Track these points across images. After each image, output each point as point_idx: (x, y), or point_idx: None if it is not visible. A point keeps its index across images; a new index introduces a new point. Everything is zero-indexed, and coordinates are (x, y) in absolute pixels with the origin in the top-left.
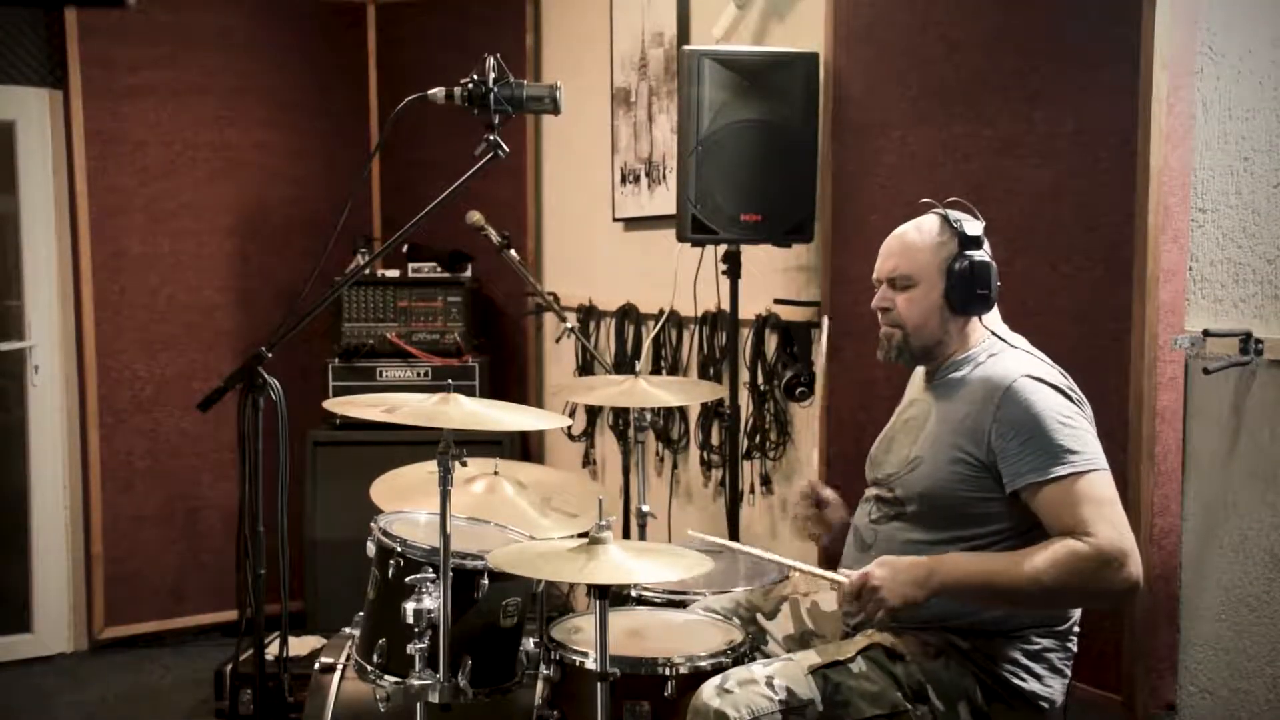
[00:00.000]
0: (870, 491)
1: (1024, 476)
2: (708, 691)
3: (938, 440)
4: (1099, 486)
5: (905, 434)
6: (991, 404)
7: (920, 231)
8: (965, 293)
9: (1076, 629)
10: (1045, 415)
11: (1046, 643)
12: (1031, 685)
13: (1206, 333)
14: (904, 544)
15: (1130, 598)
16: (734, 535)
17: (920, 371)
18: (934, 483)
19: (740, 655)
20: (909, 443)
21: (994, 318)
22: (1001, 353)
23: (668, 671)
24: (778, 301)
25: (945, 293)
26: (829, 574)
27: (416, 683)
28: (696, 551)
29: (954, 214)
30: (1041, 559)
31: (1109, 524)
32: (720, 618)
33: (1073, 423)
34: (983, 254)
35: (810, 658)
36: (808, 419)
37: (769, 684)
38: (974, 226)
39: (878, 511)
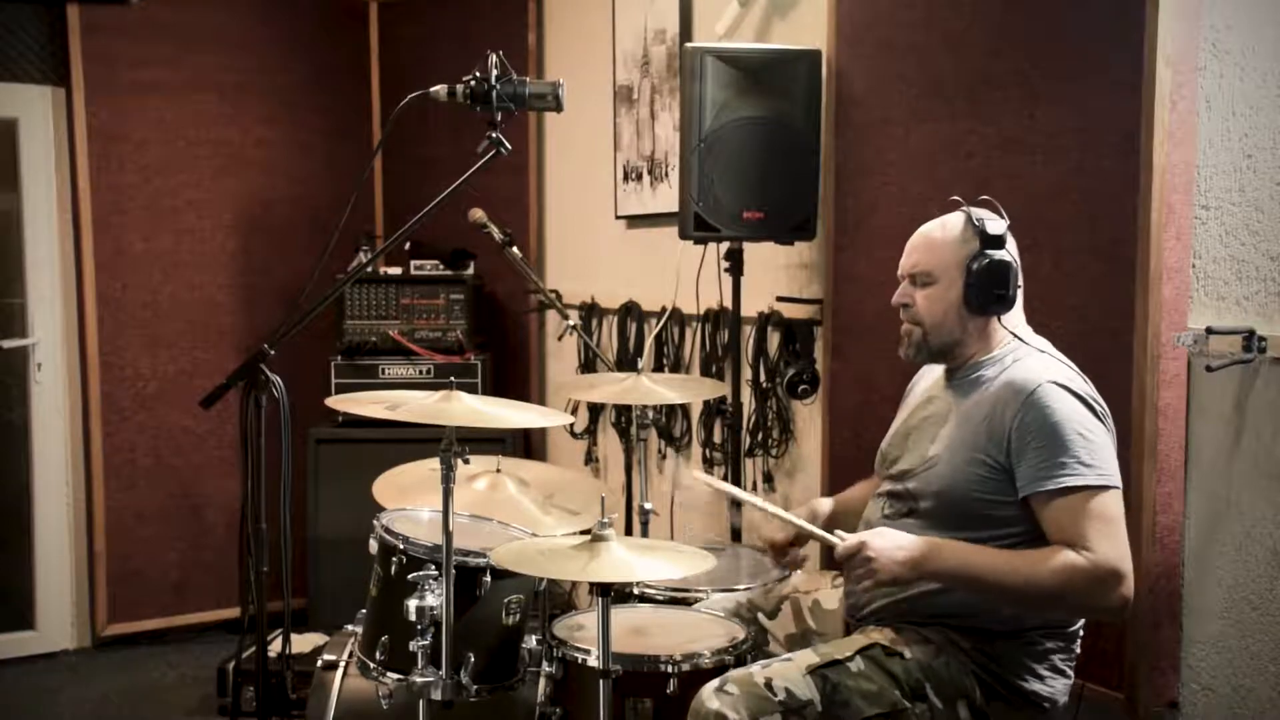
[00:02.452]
0: (884, 487)
1: (1035, 483)
2: (707, 693)
3: (957, 441)
4: (1107, 504)
5: (923, 431)
6: (1014, 407)
7: (944, 229)
8: (983, 292)
9: (1081, 631)
10: (1065, 425)
11: (1051, 644)
12: (1034, 685)
13: (1209, 330)
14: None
15: (1118, 616)
16: (735, 534)
17: (939, 369)
18: (950, 483)
19: (743, 652)
20: (927, 441)
21: (1016, 319)
22: (1027, 356)
23: (670, 669)
24: (780, 299)
25: (964, 291)
26: (827, 535)
27: (419, 680)
28: (698, 548)
29: (979, 213)
30: (1039, 563)
31: (1110, 542)
32: (722, 615)
33: (1093, 436)
34: (1004, 254)
35: (809, 657)
36: (810, 416)
37: (768, 685)
38: (997, 226)
39: (890, 508)
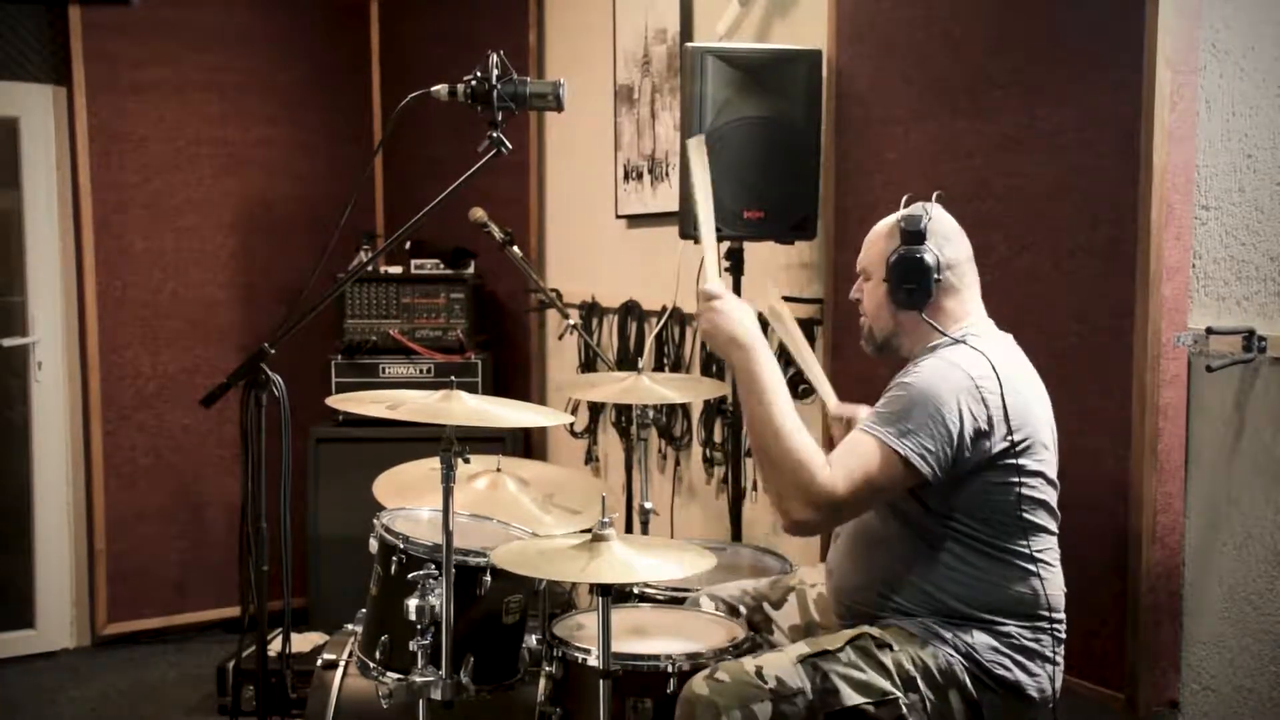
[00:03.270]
0: None
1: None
2: (698, 682)
3: None
4: (878, 454)
5: None
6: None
7: (881, 227)
8: (897, 287)
9: (1059, 616)
10: (909, 385)
11: (1024, 633)
12: (1016, 675)
13: (1209, 330)
14: (859, 528)
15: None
16: (736, 534)
17: None
18: None
19: (744, 652)
20: None
21: (965, 310)
22: (947, 349)
23: (670, 668)
24: (781, 299)
25: (886, 286)
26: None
27: (419, 679)
28: (700, 549)
29: (913, 209)
30: (796, 435)
31: (848, 477)
32: (723, 614)
33: (923, 410)
34: (919, 249)
35: (799, 648)
36: (811, 416)
37: (759, 673)
38: (915, 222)
39: None
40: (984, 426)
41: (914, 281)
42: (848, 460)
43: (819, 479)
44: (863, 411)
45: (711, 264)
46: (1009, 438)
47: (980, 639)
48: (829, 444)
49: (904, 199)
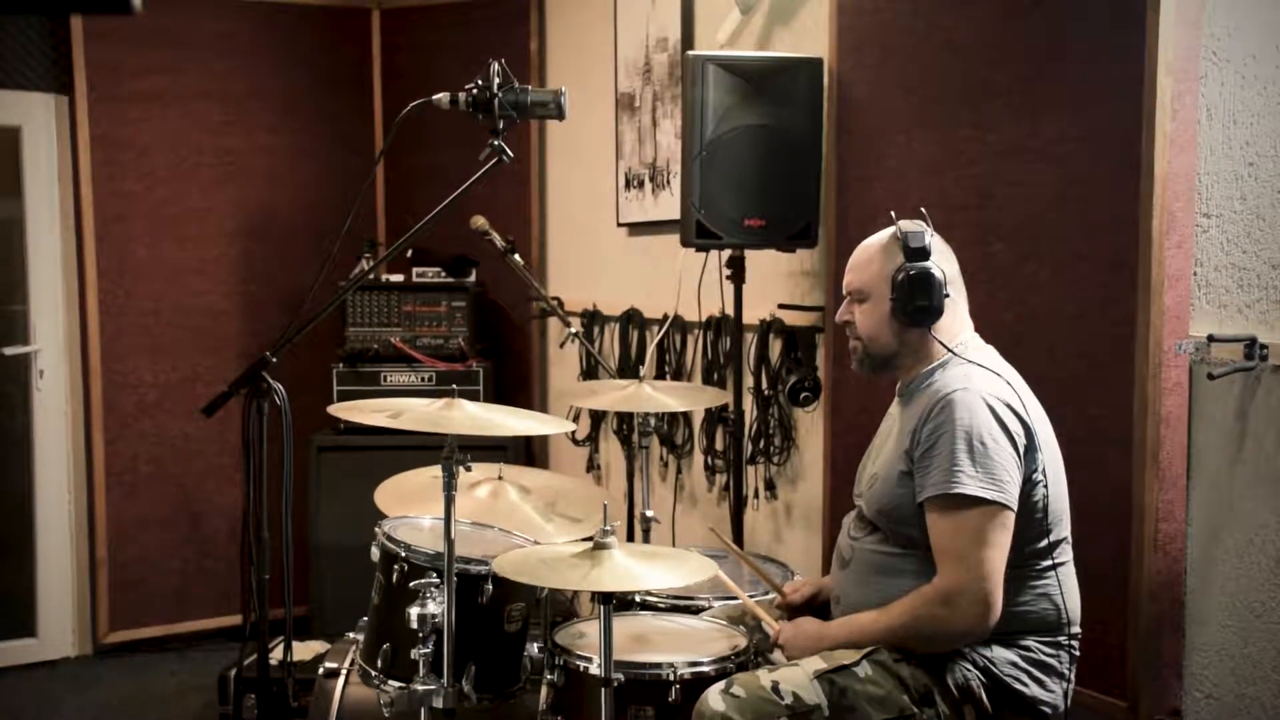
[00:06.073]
0: (856, 504)
1: (923, 491)
2: (713, 696)
3: (890, 456)
4: (979, 520)
5: (875, 450)
6: (924, 417)
7: (873, 245)
8: (907, 304)
9: (1076, 631)
10: (960, 432)
11: (1044, 648)
12: (1034, 691)
13: (1211, 338)
14: (873, 558)
15: (964, 640)
16: (738, 542)
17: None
18: (887, 499)
19: (744, 661)
20: (874, 459)
21: (958, 327)
22: (955, 366)
23: (671, 677)
24: (782, 306)
25: (892, 305)
26: (769, 621)
27: (420, 688)
28: (701, 555)
29: (906, 226)
30: (897, 608)
31: (963, 563)
32: (724, 623)
33: (989, 448)
34: (925, 265)
35: (815, 663)
36: (812, 424)
37: (775, 689)
38: (919, 239)
39: (856, 529)
40: (1025, 441)
41: (926, 298)
42: (950, 549)
43: (938, 592)
44: (809, 589)
45: (765, 617)
46: (1036, 450)
47: (1000, 653)
48: (830, 461)
49: (893, 214)
